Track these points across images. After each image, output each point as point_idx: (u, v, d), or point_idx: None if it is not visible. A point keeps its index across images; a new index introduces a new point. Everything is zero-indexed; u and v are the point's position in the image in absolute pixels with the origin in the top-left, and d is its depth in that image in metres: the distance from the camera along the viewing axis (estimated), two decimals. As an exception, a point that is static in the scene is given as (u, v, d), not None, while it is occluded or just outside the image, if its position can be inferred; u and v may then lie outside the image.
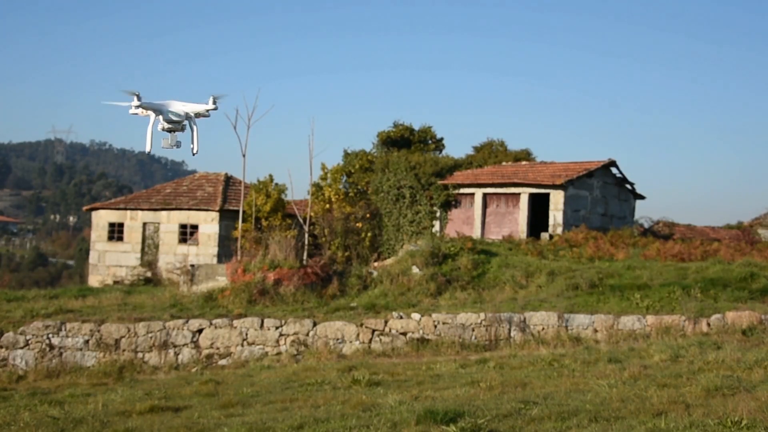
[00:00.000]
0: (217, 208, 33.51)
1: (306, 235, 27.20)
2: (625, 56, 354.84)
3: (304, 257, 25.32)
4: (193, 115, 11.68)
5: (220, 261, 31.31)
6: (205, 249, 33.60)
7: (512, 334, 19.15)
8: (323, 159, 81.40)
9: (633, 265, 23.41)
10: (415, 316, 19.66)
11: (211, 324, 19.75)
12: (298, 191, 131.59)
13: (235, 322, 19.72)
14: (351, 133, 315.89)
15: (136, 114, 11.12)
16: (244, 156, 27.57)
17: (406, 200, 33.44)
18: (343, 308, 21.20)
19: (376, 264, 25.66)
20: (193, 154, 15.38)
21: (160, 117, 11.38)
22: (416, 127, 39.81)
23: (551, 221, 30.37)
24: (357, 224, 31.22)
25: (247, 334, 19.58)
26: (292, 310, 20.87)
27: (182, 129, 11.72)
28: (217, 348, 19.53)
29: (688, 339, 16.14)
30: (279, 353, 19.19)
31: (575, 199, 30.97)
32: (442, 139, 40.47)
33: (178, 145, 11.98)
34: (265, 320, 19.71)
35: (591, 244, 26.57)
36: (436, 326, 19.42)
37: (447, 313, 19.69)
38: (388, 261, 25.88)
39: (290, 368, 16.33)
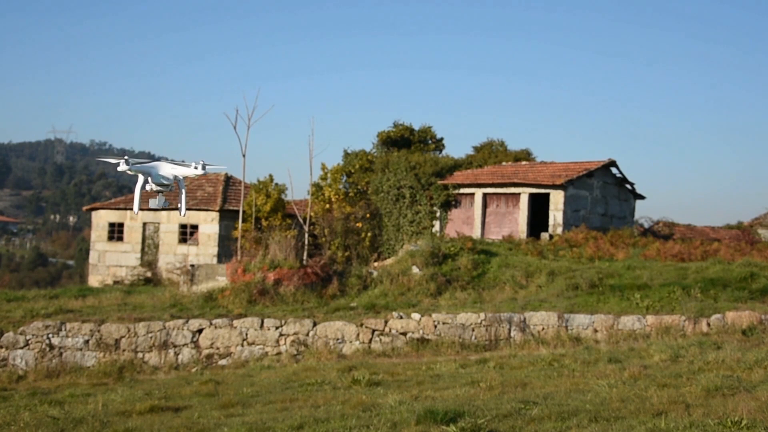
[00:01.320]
0: (217, 208, 33.52)
1: (306, 235, 27.20)
2: (625, 56, 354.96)
3: (304, 257, 25.32)
4: (181, 177, 11.73)
5: (220, 261, 31.34)
6: (205, 249, 33.62)
7: (512, 334, 19.14)
8: (323, 159, 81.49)
9: (633, 265, 23.40)
10: (415, 316, 19.66)
11: (211, 324, 19.74)
12: (298, 191, 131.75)
13: (235, 322, 19.71)
14: (351, 133, 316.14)
15: (124, 172, 11.18)
16: (244, 156, 27.59)
17: (406, 200, 33.45)
18: (343, 308, 21.19)
19: (376, 264, 25.66)
20: (182, 216, 15.45)
21: (149, 178, 11.44)
22: (416, 127, 39.89)
23: (551, 221, 30.37)
24: (357, 224, 31.23)
25: (247, 334, 19.57)
26: (292, 310, 20.86)
27: (170, 189, 11.81)
28: (217, 348, 19.53)
29: (688, 339, 16.14)
30: (279, 353, 19.19)
31: (575, 199, 30.96)
32: (442, 139, 40.57)
33: (165, 205, 12.07)
34: (265, 320, 19.71)
35: (591, 244, 26.57)
36: (436, 326, 19.42)
37: (447, 313, 19.68)
38: (388, 261, 25.88)
39: (290, 368, 16.32)
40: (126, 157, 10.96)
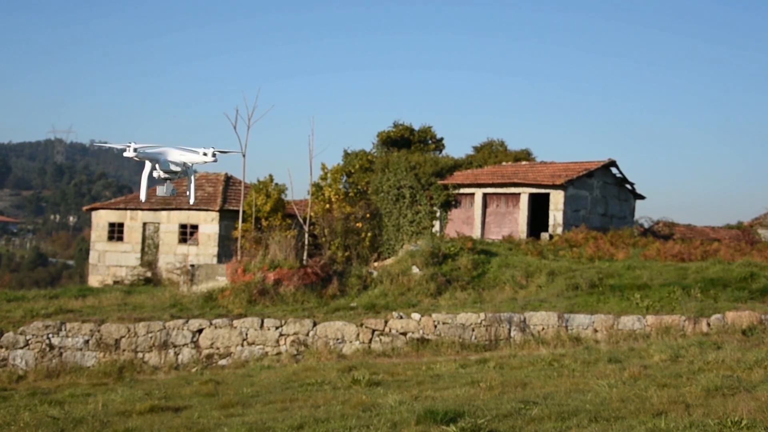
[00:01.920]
0: (217, 208, 33.52)
1: (306, 235, 27.19)
2: (625, 56, 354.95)
3: (304, 257, 25.32)
4: (190, 164, 11.38)
5: (220, 261, 31.34)
6: (205, 249, 33.63)
7: (512, 334, 19.14)
8: (323, 159, 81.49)
9: (633, 265, 23.40)
10: (415, 316, 19.66)
11: (211, 324, 19.74)
12: (298, 191, 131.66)
13: (235, 322, 19.71)
14: (351, 133, 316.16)
15: (131, 157, 10.82)
16: (244, 156, 27.60)
17: (406, 200, 33.44)
18: (343, 308, 21.19)
19: (376, 264, 25.65)
20: (191, 203, 15.22)
21: (157, 165, 11.09)
22: (416, 127, 39.88)
23: (551, 221, 30.36)
24: (357, 224, 31.23)
25: (247, 334, 19.57)
26: (292, 310, 20.86)
27: (179, 177, 11.45)
28: (217, 348, 19.53)
29: (688, 339, 16.14)
30: (279, 353, 19.19)
31: (575, 199, 30.96)
32: (442, 139, 40.56)
33: (173, 193, 11.75)
34: (265, 320, 19.71)
35: (591, 244, 26.57)
36: (436, 326, 19.41)
37: (447, 313, 19.67)
38: (388, 261, 25.87)
39: (290, 368, 16.32)
40: (131, 143, 10.67)
